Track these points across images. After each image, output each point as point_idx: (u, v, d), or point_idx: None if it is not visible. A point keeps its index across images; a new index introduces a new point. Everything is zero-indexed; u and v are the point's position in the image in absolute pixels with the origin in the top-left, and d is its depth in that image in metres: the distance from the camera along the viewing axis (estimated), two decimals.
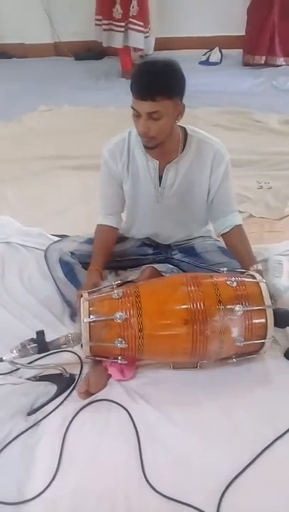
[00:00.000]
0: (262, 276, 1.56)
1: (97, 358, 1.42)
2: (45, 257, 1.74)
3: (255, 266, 1.57)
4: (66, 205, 2.38)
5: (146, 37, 3.95)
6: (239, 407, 1.36)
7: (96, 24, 3.91)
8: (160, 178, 1.60)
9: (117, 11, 3.72)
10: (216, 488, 1.17)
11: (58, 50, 4.70)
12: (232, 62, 4.43)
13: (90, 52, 4.27)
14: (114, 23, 3.78)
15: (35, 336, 1.36)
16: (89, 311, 1.37)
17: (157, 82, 1.35)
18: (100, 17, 3.85)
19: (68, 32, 4.56)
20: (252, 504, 1.16)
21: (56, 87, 3.96)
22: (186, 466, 1.22)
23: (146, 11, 3.89)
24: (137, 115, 1.41)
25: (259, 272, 1.57)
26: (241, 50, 4.40)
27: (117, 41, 3.86)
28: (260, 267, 1.58)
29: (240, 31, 4.41)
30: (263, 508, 1.15)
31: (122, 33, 3.82)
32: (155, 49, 4.23)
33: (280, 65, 4.24)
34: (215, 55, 4.46)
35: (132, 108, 1.40)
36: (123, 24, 3.78)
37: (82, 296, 1.43)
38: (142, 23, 3.82)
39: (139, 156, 1.58)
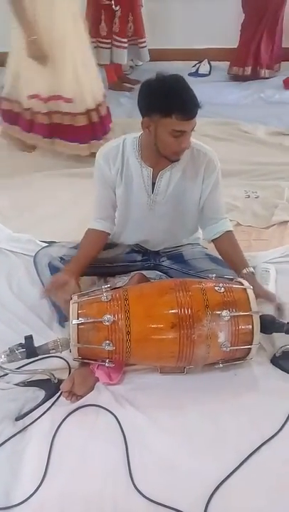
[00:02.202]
0: (254, 278, 1.61)
1: (85, 360, 1.43)
2: (35, 262, 1.75)
3: (246, 269, 1.60)
4: (56, 212, 2.38)
5: (142, 47, 4.00)
6: (226, 413, 1.38)
7: None
8: (153, 185, 1.63)
9: (103, 28, 3.78)
10: (202, 492, 1.18)
11: None
12: (221, 74, 4.48)
13: None
14: (101, 40, 3.83)
15: (23, 341, 1.36)
16: (78, 313, 1.38)
17: (195, 97, 1.41)
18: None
19: None
20: (238, 509, 1.17)
21: None
22: (173, 470, 1.23)
23: (140, 24, 3.95)
24: (179, 135, 1.43)
25: (251, 274, 1.61)
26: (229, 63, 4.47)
27: (105, 58, 3.91)
28: (251, 269, 1.62)
29: (229, 44, 4.49)
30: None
31: (109, 50, 3.88)
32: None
33: (266, 78, 4.32)
34: (204, 67, 4.52)
35: (176, 131, 1.42)
36: (108, 41, 3.84)
37: (46, 291, 1.55)
38: (124, 40, 3.86)
39: (134, 164, 1.61)
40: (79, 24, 2.59)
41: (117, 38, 3.83)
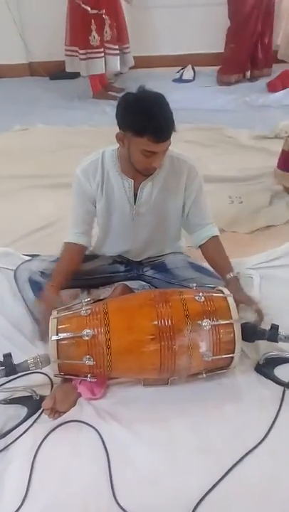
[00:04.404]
0: (238, 282, 1.62)
1: (66, 376, 1.41)
2: (15, 277, 1.74)
3: (230, 274, 1.62)
4: (39, 225, 2.37)
5: (125, 53, 4.01)
6: (209, 424, 1.36)
7: (69, 55, 3.91)
8: (135, 196, 1.62)
9: (94, 38, 3.76)
10: (186, 506, 1.16)
11: (32, 70, 4.72)
12: (205, 79, 4.50)
13: (64, 71, 4.30)
14: (92, 50, 3.80)
15: (1, 359, 1.35)
16: (57, 328, 1.37)
17: (171, 121, 1.40)
18: (74, 48, 3.86)
19: (43, 52, 4.60)
20: None
21: (31, 107, 3.97)
22: (156, 485, 1.22)
23: (124, 30, 3.96)
24: (150, 155, 1.43)
25: (235, 278, 1.62)
26: (214, 67, 4.50)
27: (99, 68, 3.88)
28: (235, 273, 1.64)
29: (213, 49, 4.52)
30: None
31: (102, 59, 3.86)
32: (130, 67, 4.29)
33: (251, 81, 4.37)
34: (188, 73, 4.53)
35: (147, 151, 1.42)
36: (101, 50, 3.83)
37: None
38: (116, 47, 3.89)
39: (114, 176, 1.60)
40: None
41: (109, 45, 3.84)
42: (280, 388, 1.45)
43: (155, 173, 1.57)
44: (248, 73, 4.38)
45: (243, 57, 4.30)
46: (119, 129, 1.47)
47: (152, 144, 1.40)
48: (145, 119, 1.37)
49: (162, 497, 1.19)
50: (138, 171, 1.53)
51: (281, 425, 1.34)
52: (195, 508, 1.16)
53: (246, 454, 1.26)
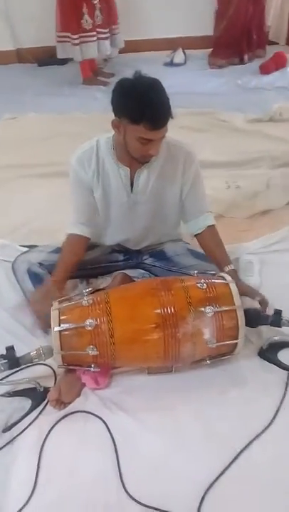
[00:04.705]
0: (236, 275, 1.59)
1: (70, 367, 1.40)
2: (13, 269, 1.72)
3: (228, 266, 1.60)
4: (34, 214, 2.33)
5: (115, 33, 3.96)
6: (215, 410, 1.36)
7: (60, 41, 3.83)
8: (132, 185, 1.60)
9: (87, 21, 3.69)
10: (195, 493, 1.16)
11: (20, 56, 4.63)
12: (196, 62, 4.46)
13: (52, 58, 4.23)
14: (86, 34, 3.74)
15: (4, 352, 1.33)
16: (59, 319, 1.35)
17: (168, 107, 1.37)
18: (66, 33, 3.77)
19: (31, 38, 4.51)
20: (232, 507, 1.15)
21: (20, 95, 3.89)
22: (164, 473, 1.22)
23: (114, 11, 3.90)
24: (146, 142, 1.40)
25: (233, 271, 1.59)
26: (205, 50, 4.45)
27: (92, 52, 3.82)
28: (232, 266, 1.61)
29: (203, 32, 4.46)
30: (244, 510, 1.15)
31: (96, 43, 3.81)
32: (120, 51, 4.23)
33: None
34: (179, 56, 4.47)
35: (143, 138, 1.39)
36: (94, 34, 3.77)
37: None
38: (106, 30, 3.84)
39: (110, 164, 1.57)
40: None
41: (100, 30, 3.79)
42: (285, 373, 1.45)
43: (151, 160, 1.54)
44: (246, 56, 4.32)
45: (234, 40, 4.25)
46: (115, 115, 1.43)
47: (149, 131, 1.37)
48: (141, 106, 1.34)
49: (171, 485, 1.19)
50: (134, 159, 1.50)
51: (287, 409, 1.35)
52: (204, 495, 1.15)
53: (254, 439, 1.26)
